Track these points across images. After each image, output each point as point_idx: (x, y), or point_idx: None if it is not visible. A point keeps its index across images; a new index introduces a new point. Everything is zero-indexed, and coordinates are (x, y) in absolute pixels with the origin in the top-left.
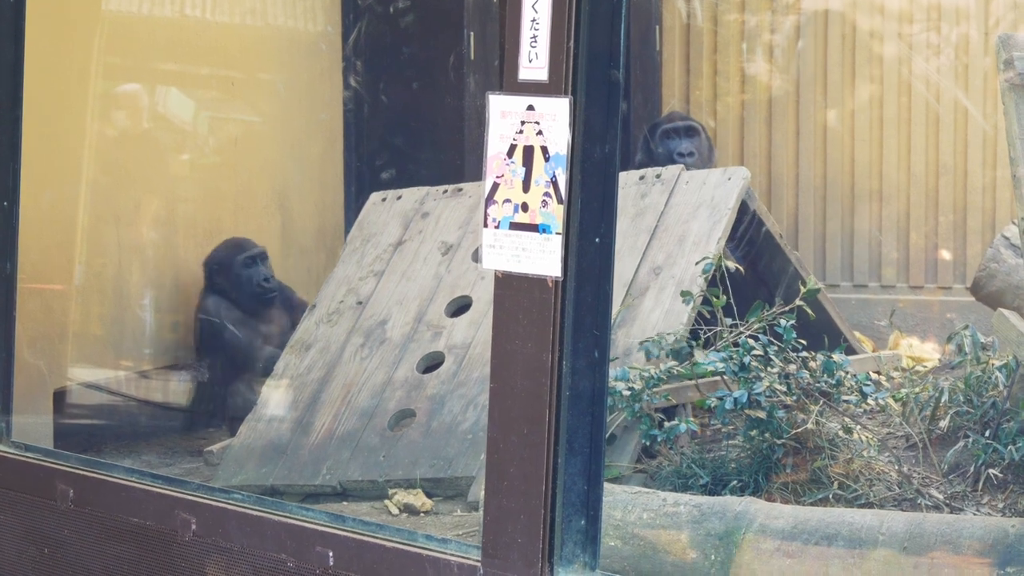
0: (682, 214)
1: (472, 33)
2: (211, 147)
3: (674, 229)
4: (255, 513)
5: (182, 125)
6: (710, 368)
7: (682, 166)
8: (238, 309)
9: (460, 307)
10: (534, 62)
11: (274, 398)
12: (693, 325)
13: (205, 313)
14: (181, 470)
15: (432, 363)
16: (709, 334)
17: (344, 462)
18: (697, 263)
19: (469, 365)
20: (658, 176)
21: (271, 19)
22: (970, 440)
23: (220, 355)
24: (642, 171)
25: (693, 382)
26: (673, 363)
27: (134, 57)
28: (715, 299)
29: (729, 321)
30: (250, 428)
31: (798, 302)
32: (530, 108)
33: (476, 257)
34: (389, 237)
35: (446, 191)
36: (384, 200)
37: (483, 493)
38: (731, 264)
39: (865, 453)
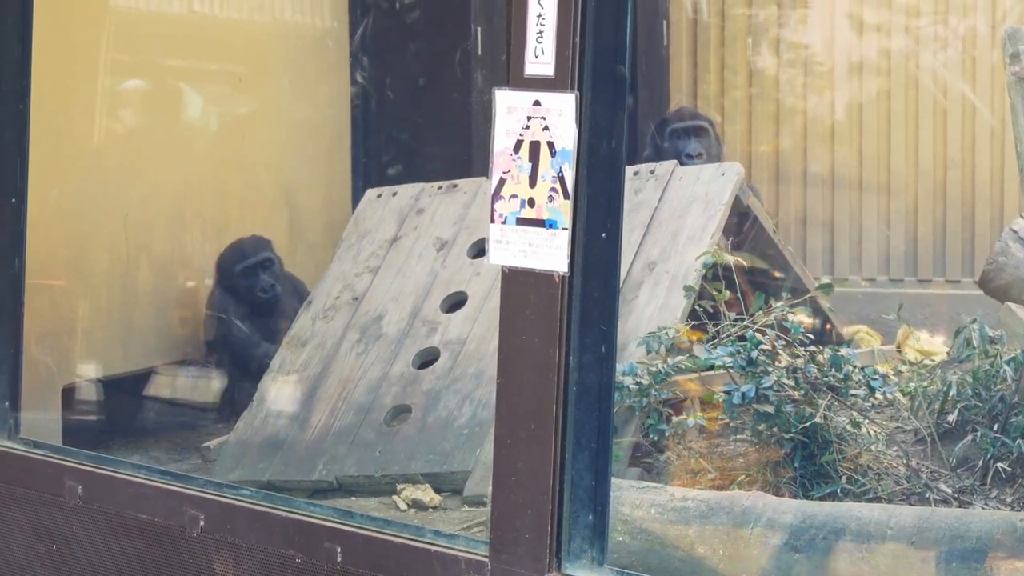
0: (676, 209)
1: (479, 28)
2: (218, 143)
3: (668, 224)
4: (263, 509)
5: (189, 121)
6: (717, 363)
7: (676, 162)
8: (245, 305)
9: (455, 303)
10: (540, 57)
11: (270, 394)
12: (693, 320)
13: (212, 309)
14: (189, 466)
15: (428, 359)
16: (715, 329)
17: (340, 457)
18: (697, 258)
19: (464, 360)
20: (652, 172)
21: (278, 15)
22: (978, 434)
23: (225, 352)
24: (636, 167)
25: (698, 375)
26: (680, 358)
27: (141, 53)
28: (717, 293)
29: (732, 316)
30: (246, 424)
31: (812, 294)
32: (536, 103)
33: (471, 253)
34: (384, 233)
35: (441, 187)
36: (380, 196)
37: (490, 488)
38: (731, 258)
39: (873, 447)
